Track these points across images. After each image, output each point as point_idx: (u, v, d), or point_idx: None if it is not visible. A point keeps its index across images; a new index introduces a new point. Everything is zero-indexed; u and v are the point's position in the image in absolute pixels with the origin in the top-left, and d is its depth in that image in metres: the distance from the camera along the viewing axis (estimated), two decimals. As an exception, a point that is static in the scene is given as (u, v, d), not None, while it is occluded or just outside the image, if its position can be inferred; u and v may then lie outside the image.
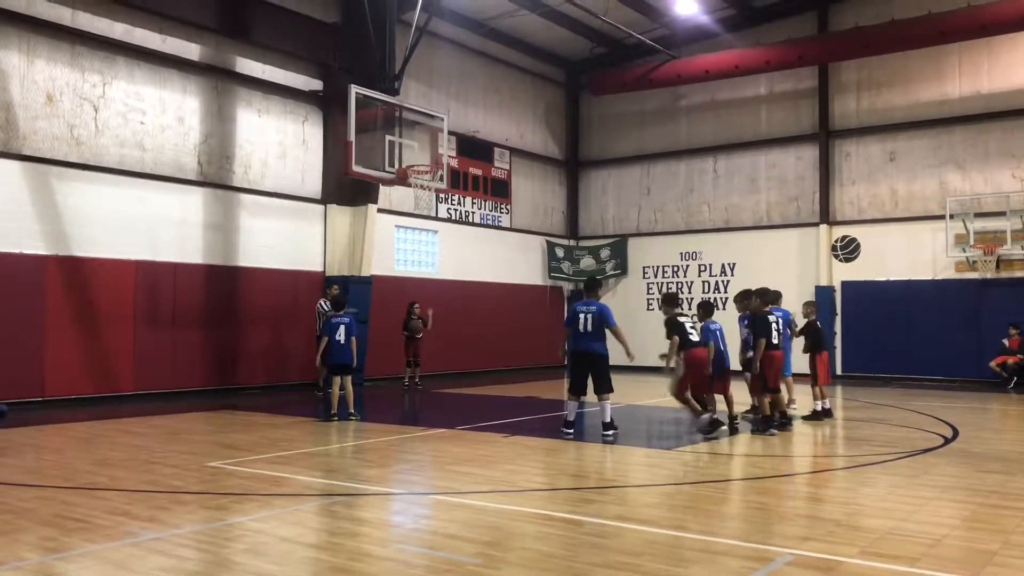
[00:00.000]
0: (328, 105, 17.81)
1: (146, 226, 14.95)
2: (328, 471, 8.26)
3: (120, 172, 14.64)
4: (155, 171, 15.17)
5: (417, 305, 17.25)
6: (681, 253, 23.47)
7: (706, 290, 22.89)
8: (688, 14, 20.67)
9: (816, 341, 12.28)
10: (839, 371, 20.59)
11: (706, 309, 11.41)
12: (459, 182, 21.41)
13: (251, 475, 7.91)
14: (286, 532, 5.89)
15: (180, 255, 15.43)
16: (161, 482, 7.53)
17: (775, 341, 10.82)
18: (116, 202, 14.53)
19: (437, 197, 20.63)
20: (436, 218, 20.87)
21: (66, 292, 13.85)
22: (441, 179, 16.16)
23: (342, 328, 11.90)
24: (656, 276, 23.86)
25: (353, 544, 5.60)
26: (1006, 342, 18.03)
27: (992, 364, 18.07)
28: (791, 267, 21.66)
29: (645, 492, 7.49)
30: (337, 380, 11.98)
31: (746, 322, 11.56)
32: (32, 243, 13.51)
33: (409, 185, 15.68)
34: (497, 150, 22.82)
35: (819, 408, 12.08)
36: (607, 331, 10.25)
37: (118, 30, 14.68)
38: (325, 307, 15.51)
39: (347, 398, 11.95)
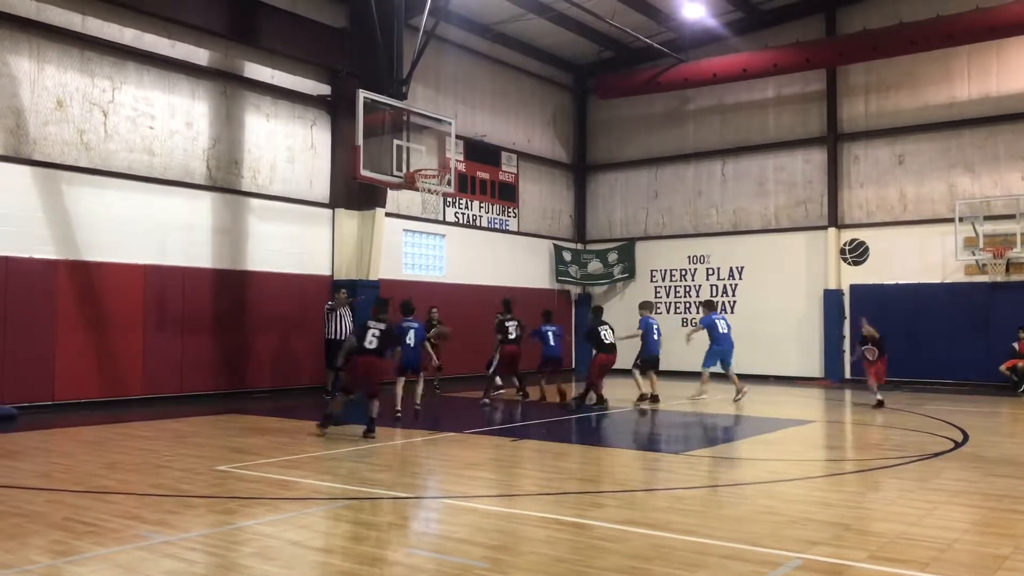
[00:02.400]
0: (336, 110, 17.86)
1: (155, 231, 15.00)
2: (337, 475, 8.27)
3: (129, 177, 14.71)
4: (164, 176, 15.23)
5: (435, 309, 17.04)
6: (689, 256, 23.43)
7: (714, 293, 22.83)
8: (695, 17, 20.64)
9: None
10: (848, 374, 20.53)
11: (546, 317, 15.98)
12: (466, 186, 21.43)
13: (260, 479, 7.92)
14: (295, 536, 5.91)
15: (189, 259, 15.49)
16: (170, 486, 7.54)
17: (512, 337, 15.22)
18: (125, 207, 14.59)
19: (444, 201, 20.68)
20: (444, 222, 20.90)
21: (76, 296, 13.91)
22: (449, 183, 16.17)
23: (412, 333, 12.72)
24: (664, 280, 23.82)
25: (362, 548, 5.60)
26: (1016, 345, 17.93)
27: (1002, 368, 17.96)
28: (799, 270, 21.61)
29: (653, 496, 7.48)
30: (401, 381, 12.86)
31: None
32: (42, 248, 13.57)
33: (417, 189, 15.70)
34: (504, 154, 22.84)
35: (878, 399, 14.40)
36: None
37: (127, 35, 14.76)
38: (342, 314, 15.52)
39: (416, 394, 13.34)
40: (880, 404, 14.17)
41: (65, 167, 13.88)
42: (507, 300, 16.32)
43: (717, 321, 15.54)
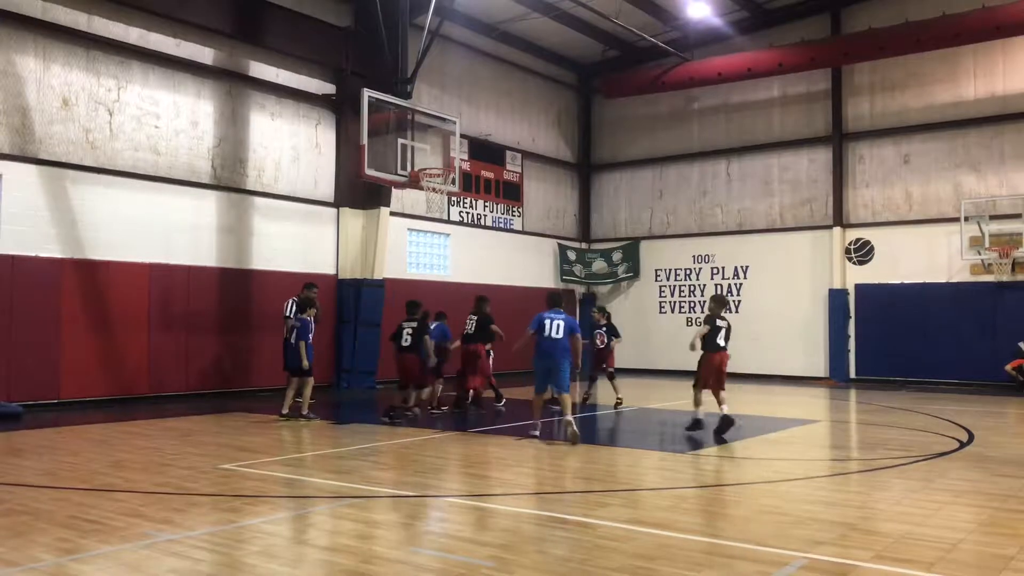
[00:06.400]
0: (341, 109, 17.87)
1: (160, 229, 15.03)
2: (341, 473, 8.27)
3: (134, 176, 14.74)
4: (169, 175, 15.26)
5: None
6: (694, 256, 23.41)
7: (719, 293, 22.79)
8: (700, 17, 20.62)
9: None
10: (853, 374, 20.50)
11: (434, 316, 14.05)
12: (471, 185, 21.44)
13: (264, 477, 7.93)
14: (299, 534, 5.91)
15: (194, 258, 15.52)
16: (175, 484, 7.56)
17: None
18: (130, 206, 14.62)
19: (449, 200, 20.69)
20: (448, 221, 20.90)
21: (81, 295, 13.94)
22: (453, 182, 16.20)
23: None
24: (669, 279, 23.80)
25: (366, 547, 5.60)
26: (1022, 345, 17.90)
27: (1008, 368, 17.94)
28: (805, 270, 21.57)
29: (658, 495, 7.47)
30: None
31: None
32: (48, 247, 13.61)
33: (421, 188, 15.73)
34: (509, 153, 22.84)
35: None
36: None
37: (133, 35, 14.79)
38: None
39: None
40: None
41: (71, 166, 13.91)
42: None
43: None
